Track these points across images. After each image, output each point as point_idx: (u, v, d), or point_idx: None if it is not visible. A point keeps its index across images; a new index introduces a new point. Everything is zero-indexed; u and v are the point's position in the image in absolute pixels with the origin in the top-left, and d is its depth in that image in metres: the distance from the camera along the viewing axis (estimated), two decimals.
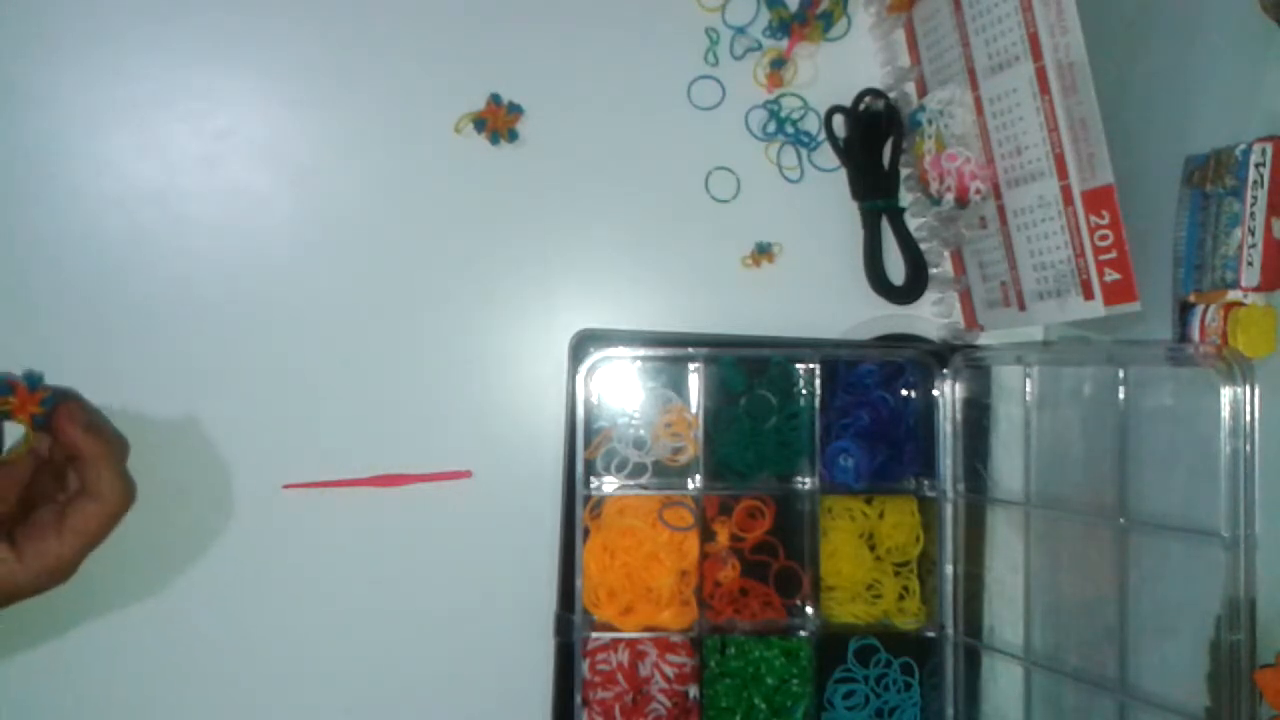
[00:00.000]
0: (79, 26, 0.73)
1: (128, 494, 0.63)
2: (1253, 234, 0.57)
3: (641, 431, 0.75)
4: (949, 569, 0.74)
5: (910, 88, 0.77)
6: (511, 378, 0.76)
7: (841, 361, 0.76)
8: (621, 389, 0.75)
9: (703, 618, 0.73)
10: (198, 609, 0.74)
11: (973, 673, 0.75)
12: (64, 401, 0.63)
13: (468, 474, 0.76)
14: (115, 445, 0.64)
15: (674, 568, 0.73)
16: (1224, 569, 0.57)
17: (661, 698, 0.74)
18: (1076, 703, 0.69)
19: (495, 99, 0.76)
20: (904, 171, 0.77)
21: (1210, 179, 0.59)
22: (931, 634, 0.75)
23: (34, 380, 0.64)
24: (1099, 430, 0.68)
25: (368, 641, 0.75)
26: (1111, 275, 0.62)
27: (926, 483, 0.76)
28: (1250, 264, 0.57)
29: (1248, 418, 0.57)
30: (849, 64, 0.78)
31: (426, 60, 0.76)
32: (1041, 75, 0.63)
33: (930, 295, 0.78)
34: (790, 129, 0.78)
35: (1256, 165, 0.56)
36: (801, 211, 0.78)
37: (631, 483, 0.75)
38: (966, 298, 0.77)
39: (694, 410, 0.74)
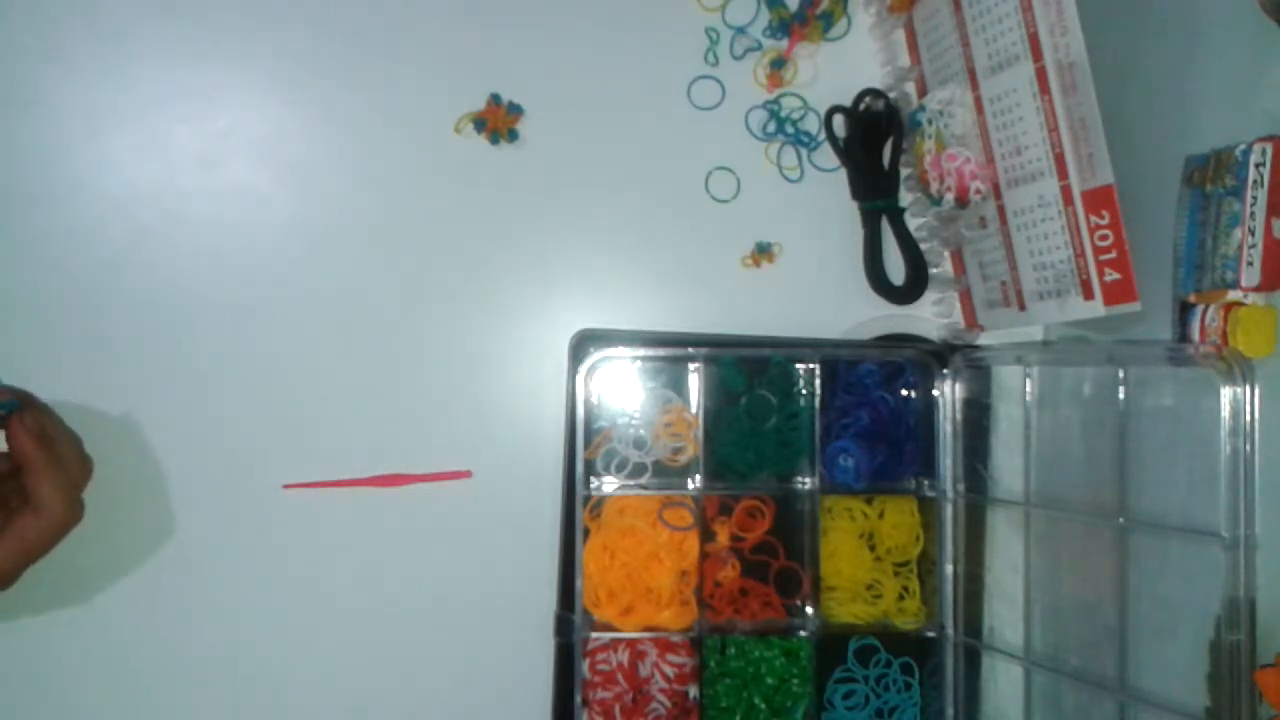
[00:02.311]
0: (80, 27, 0.73)
1: (70, 512, 0.61)
2: (1253, 234, 0.57)
3: (641, 431, 0.75)
4: (949, 569, 0.74)
5: (910, 88, 0.77)
6: (511, 378, 0.76)
7: (841, 361, 0.76)
8: (621, 389, 0.75)
9: (703, 618, 0.73)
10: (198, 608, 0.74)
11: (973, 673, 0.75)
12: (24, 408, 0.62)
13: (468, 474, 0.76)
14: (68, 462, 0.62)
15: (674, 568, 0.73)
16: (1224, 569, 0.57)
17: (661, 698, 0.74)
18: (1076, 703, 0.69)
19: (495, 99, 0.76)
20: (904, 171, 0.77)
21: (1210, 179, 0.59)
22: (931, 634, 0.75)
23: None
24: (1099, 430, 0.68)
25: (368, 641, 0.75)
26: (1111, 275, 0.62)
27: (926, 483, 0.76)
28: (1250, 264, 0.57)
29: (1248, 418, 0.57)
30: (849, 64, 0.78)
31: (426, 60, 0.76)
32: (1041, 75, 0.63)
33: (930, 295, 0.78)
34: (790, 129, 0.78)
35: (1256, 165, 0.56)
36: (801, 211, 0.78)
37: (631, 483, 0.75)
38: (966, 298, 0.77)
39: (694, 410, 0.74)
